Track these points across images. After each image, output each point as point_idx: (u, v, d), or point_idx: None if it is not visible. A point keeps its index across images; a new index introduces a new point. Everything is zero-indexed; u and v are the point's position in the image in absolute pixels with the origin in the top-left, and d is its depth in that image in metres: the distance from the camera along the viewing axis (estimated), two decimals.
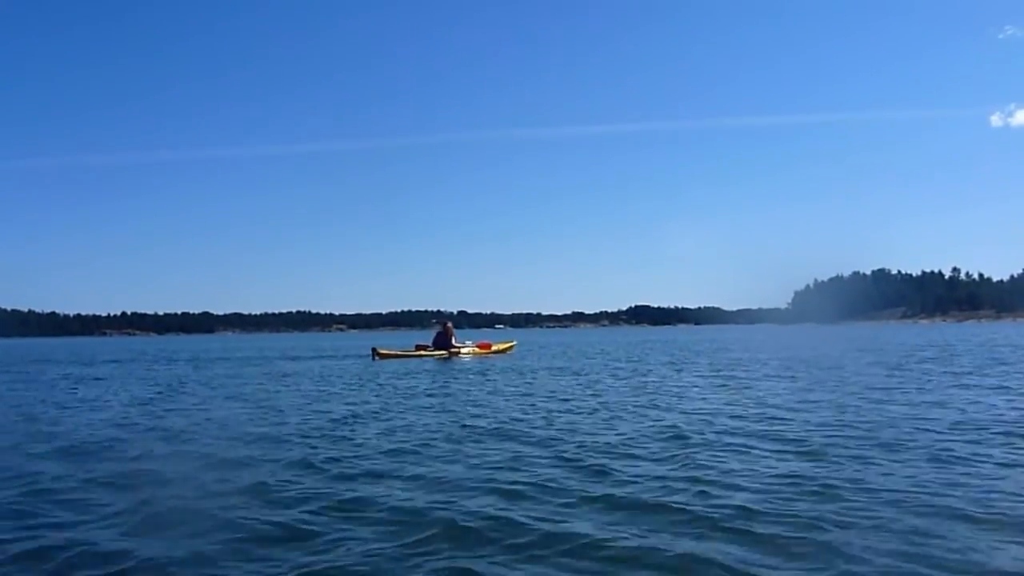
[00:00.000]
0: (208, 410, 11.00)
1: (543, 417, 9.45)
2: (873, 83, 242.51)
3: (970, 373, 15.54)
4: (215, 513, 4.86)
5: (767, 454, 6.59)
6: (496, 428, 8.53)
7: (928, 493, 5.06)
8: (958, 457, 6.28)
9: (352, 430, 8.60)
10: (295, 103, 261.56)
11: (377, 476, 5.99)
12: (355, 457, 6.83)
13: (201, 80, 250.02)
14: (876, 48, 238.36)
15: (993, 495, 4.99)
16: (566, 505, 4.99)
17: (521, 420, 9.20)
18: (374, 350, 26.24)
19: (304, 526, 4.60)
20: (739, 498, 5.04)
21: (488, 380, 15.78)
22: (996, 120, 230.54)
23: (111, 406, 11.91)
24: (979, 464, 5.99)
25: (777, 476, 5.68)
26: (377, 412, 10.29)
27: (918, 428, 7.88)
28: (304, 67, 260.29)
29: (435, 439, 7.80)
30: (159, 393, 14.15)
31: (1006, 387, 12.37)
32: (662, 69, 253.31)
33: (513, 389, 13.60)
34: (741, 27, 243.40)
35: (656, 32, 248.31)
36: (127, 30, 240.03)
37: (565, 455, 6.71)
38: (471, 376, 17.03)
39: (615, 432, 8.05)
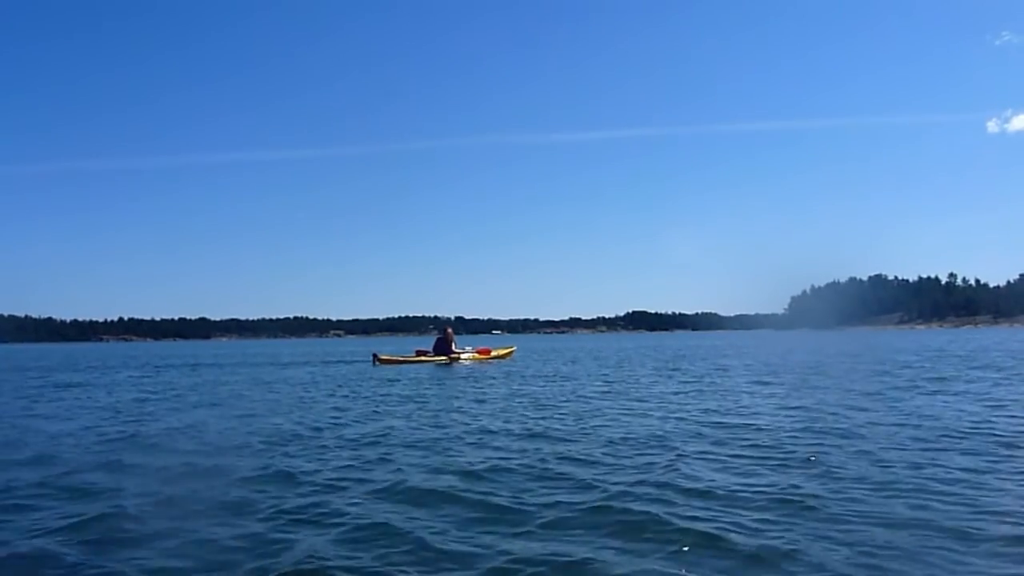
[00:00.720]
0: (210, 419, 10.97)
1: (525, 424, 9.48)
2: (870, 88, 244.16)
3: (956, 378, 15.60)
4: (201, 519, 4.84)
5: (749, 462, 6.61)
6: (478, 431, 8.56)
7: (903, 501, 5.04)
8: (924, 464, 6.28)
9: (360, 435, 8.61)
10: (293, 109, 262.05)
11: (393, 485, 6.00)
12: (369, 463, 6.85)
13: (199, 85, 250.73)
14: (873, 54, 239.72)
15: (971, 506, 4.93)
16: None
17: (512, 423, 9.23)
18: (375, 355, 26.37)
19: (275, 534, 4.59)
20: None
21: (491, 384, 15.80)
22: (992, 126, 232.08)
23: (93, 413, 11.82)
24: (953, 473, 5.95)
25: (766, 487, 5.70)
26: (388, 419, 10.31)
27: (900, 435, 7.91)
28: (302, 73, 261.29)
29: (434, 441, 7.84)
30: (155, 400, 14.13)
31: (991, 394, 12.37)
32: (659, 74, 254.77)
33: (512, 392, 13.65)
34: (739, 32, 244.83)
35: (655, 38, 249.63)
36: (125, 36, 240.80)
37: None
38: (471, 380, 17.04)
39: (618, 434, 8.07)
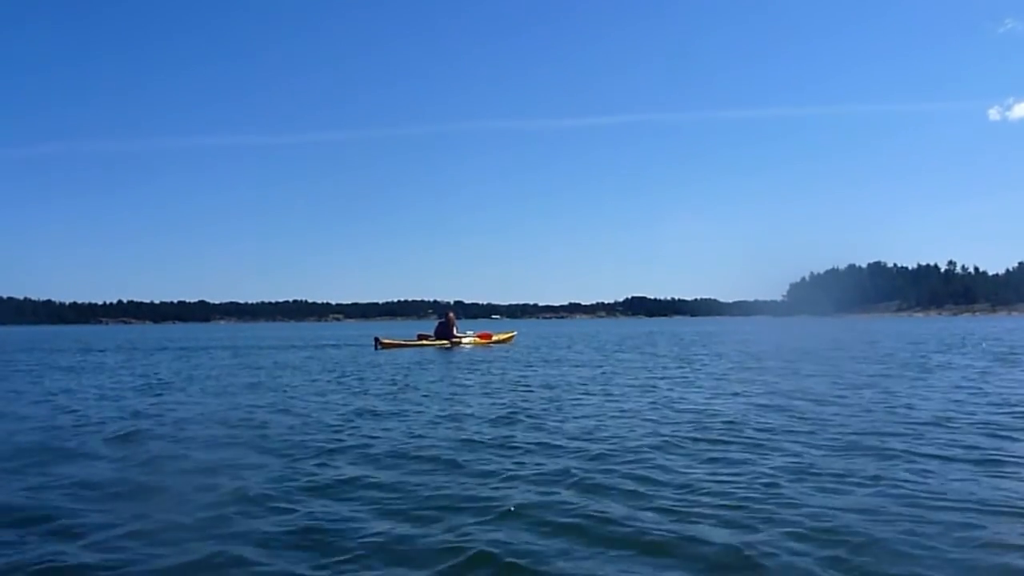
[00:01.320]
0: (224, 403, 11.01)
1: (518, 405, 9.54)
2: (871, 76, 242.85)
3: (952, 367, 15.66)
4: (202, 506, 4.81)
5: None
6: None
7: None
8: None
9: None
10: (292, 93, 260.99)
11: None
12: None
13: (199, 68, 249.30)
14: (875, 41, 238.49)
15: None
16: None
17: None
18: (376, 339, 26.45)
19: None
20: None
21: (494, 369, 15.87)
22: (994, 114, 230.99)
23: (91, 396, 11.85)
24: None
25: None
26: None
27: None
28: (302, 57, 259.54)
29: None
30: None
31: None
32: (659, 62, 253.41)
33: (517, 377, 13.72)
34: (739, 20, 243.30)
35: (654, 25, 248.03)
36: (126, 19, 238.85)
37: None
38: (478, 365, 17.11)
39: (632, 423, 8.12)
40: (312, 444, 6.82)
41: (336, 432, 7.56)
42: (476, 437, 7.15)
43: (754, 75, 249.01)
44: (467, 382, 13.02)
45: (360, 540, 4.08)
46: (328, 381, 13.58)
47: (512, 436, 7.21)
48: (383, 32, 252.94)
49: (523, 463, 5.92)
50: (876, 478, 5.22)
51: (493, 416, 8.60)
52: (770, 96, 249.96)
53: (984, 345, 24.37)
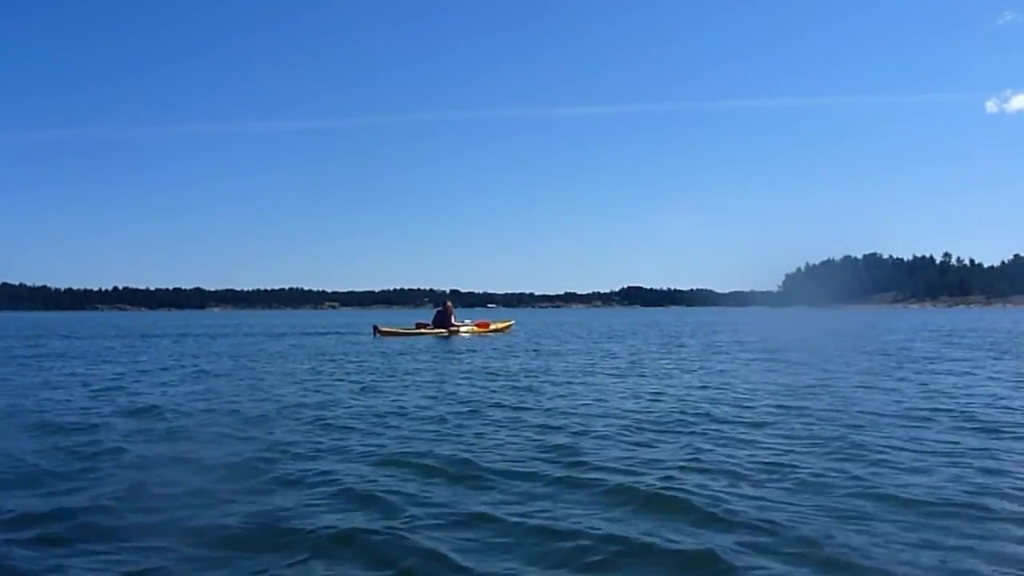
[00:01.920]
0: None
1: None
2: (869, 67, 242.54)
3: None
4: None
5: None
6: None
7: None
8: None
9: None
10: (290, 80, 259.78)
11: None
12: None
13: (196, 56, 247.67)
14: (872, 32, 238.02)
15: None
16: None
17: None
18: (375, 328, 26.40)
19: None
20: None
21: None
22: (992, 106, 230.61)
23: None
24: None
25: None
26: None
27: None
28: (299, 44, 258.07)
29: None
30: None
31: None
32: (657, 51, 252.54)
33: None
34: (737, 10, 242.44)
35: (652, 13, 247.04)
36: (123, 5, 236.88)
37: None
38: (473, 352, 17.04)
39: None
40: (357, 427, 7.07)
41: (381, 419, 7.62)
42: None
43: (751, 66, 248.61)
44: (490, 369, 13.08)
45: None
46: (341, 369, 13.61)
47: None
48: (380, 20, 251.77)
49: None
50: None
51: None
52: (767, 87, 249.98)
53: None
